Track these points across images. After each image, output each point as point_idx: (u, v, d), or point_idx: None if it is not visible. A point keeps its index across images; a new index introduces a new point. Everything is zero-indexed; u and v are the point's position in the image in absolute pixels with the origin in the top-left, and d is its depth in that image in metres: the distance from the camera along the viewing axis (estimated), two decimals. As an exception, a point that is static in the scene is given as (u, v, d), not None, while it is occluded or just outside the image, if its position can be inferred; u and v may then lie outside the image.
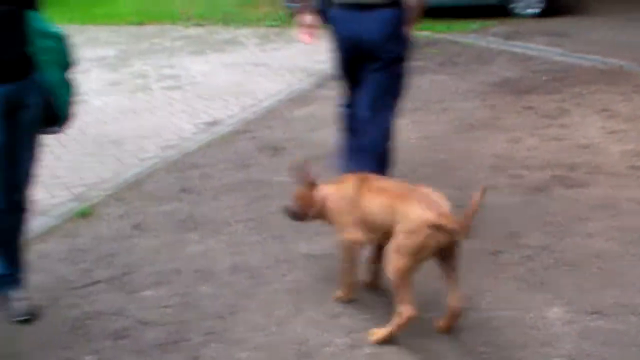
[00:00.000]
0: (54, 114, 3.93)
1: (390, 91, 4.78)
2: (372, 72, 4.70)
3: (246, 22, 14.41)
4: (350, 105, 4.99)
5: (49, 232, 5.10)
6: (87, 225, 5.21)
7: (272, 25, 13.88)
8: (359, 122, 4.87)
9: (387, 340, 3.64)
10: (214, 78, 9.74)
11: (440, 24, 12.47)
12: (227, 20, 14.67)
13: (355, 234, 3.84)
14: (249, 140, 6.95)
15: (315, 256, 4.59)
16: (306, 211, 4.08)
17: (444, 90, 8.43)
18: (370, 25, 4.58)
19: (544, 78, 8.88)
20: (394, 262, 3.56)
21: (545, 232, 4.83)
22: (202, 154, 6.67)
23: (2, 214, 3.88)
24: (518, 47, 10.90)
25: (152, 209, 5.44)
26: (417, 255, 3.53)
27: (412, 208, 3.54)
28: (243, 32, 13.32)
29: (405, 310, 3.55)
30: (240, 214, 5.28)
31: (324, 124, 7.23)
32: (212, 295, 4.18)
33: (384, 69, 4.67)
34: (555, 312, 3.89)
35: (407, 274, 3.55)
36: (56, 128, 4.04)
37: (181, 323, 3.92)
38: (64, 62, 3.92)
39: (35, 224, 5.10)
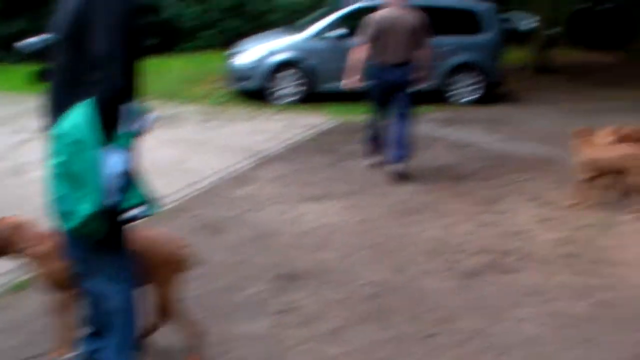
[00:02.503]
0: None
1: None
2: None
3: (189, 99, 14.48)
4: None
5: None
6: (22, 299, 5.13)
7: (214, 103, 13.99)
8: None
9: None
10: (156, 154, 9.65)
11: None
12: (170, 96, 14.72)
13: None
14: (190, 219, 6.97)
15: (257, 335, 4.64)
16: None
17: (381, 175, 8.52)
18: None
19: (479, 165, 9.15)
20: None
21: (479, 316, 4.95)
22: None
23: None
24: (455, 133, 11.18)
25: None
26: None
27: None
28: (186, 109, 13.37)
29: None
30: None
31: (264, 205, 7.34)
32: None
33: None
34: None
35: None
36: None
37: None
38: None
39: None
